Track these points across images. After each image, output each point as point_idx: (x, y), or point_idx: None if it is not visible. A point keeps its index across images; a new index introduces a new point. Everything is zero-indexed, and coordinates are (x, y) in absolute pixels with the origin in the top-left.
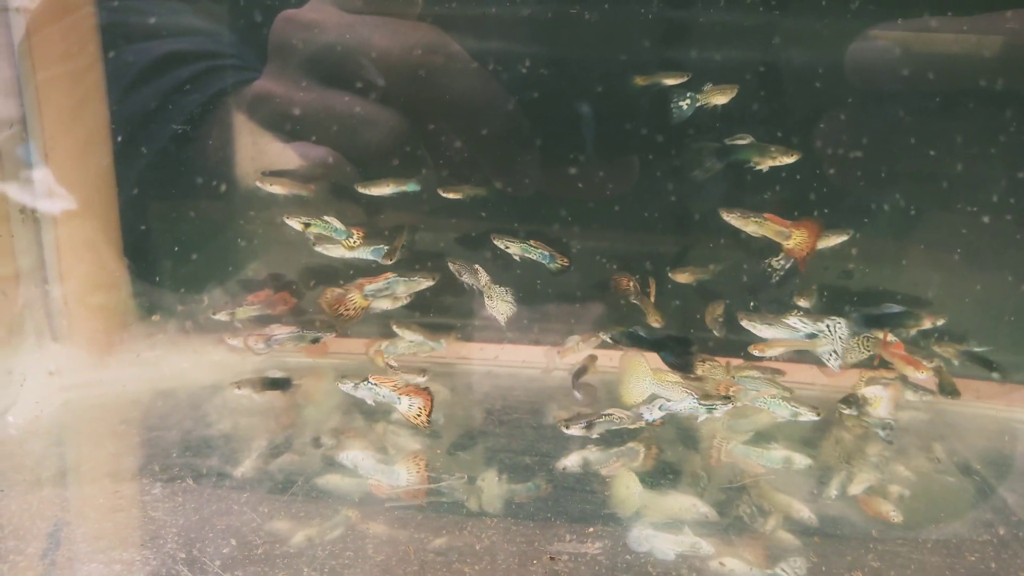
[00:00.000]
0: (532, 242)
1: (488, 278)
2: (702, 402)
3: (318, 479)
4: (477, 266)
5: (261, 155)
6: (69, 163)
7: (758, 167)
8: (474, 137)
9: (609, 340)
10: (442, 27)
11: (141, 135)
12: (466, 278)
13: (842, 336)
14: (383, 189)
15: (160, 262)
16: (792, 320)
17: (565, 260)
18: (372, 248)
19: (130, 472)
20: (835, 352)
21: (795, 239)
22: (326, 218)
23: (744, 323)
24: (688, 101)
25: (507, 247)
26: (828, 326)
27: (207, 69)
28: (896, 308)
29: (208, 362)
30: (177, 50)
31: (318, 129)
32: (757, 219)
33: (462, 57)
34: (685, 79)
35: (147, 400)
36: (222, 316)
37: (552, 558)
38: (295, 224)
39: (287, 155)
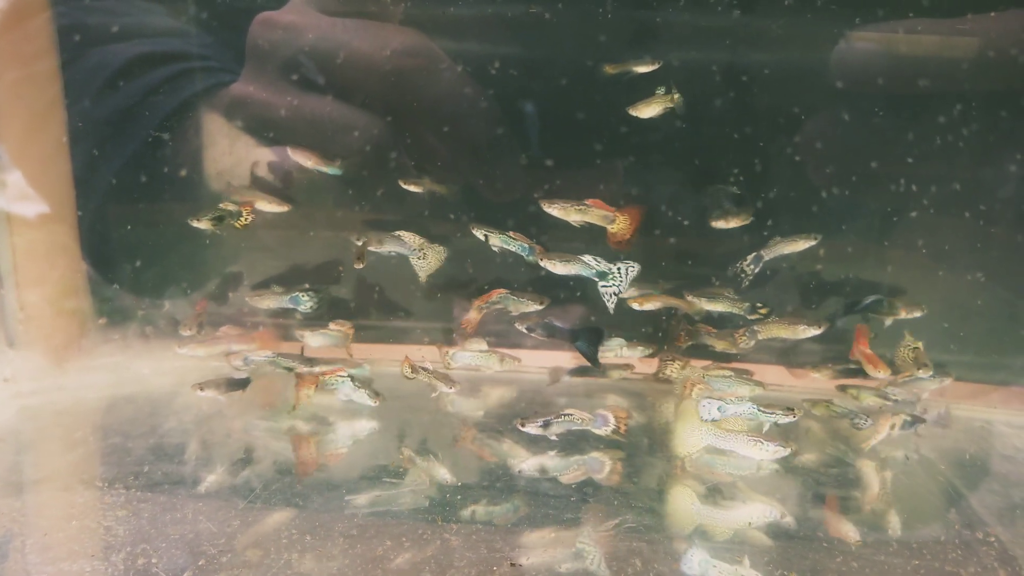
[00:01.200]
0: (511, 233)
1: (421, 239)
2: (763, 410)
3: (277, 486)
4: (400, 232)
5: (238, 160)
6: (31, 168)
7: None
8: (455, 141)
9: (525, 331)
10: (424, 30)
11: (111, 139)
12: (388, 247)
13: (629, 276)
14: (306, 160)
15: (121, 267)
16: (587, 257)
17: (543, 252)
18: (289, 296)
19: (85, 480)
20: (616, 293)
21: (619, 224)
22: (220, 205)
23: (543, 263)
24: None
25: (486, 237)
26: (619, 268)
27: (181, 72)
28: (873, 297)
29: (168, 367)
30: (150, 52)
31: (297, 133)
32: (580, 207)
33: (444, 60)
34: (655, 67)
35: (106, 406)
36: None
37: (513, 564)
38: (203, 225)
39: (265, 160)
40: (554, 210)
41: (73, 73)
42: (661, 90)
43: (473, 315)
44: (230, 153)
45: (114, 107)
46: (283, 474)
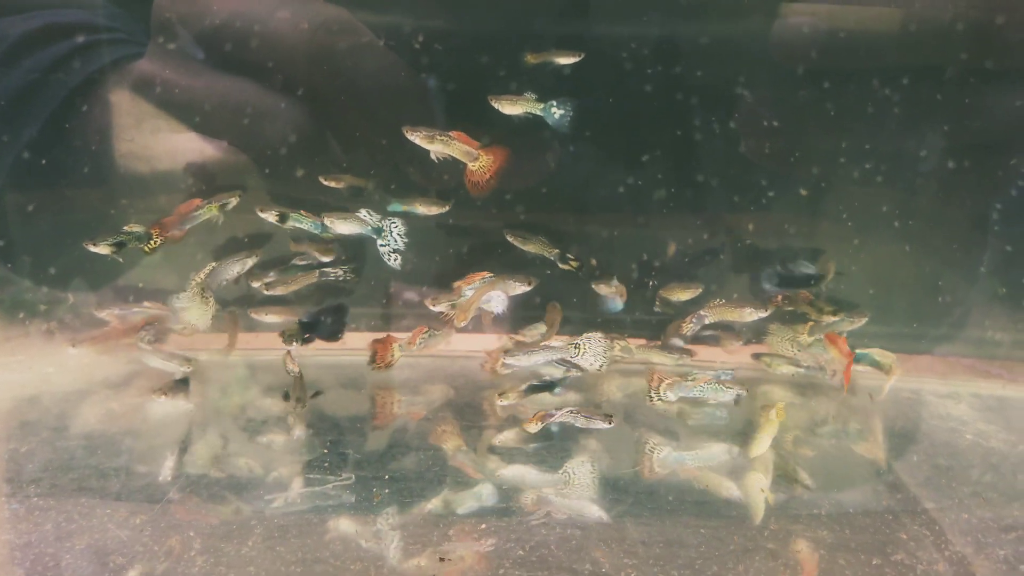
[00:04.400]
0: (303, 212)
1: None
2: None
3: (191, 487)
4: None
5: (146, 146)
6: None
7: None
8: (382, 124)
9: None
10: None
11: (8, 120)
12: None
13: (399, 235)
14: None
15: (22, 258)
16: (362, 212)
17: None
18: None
19: None
20: (395, 251)
21: (481, 162)
22: (125, 228)
23: (326, 221)
24: (561, 111)
25: (280, 217)
26: (387, 224)
27: (85, 45)
28: (808, 267)
29: (74, 365)
30: (50, 23)
31: (209, 117)
32: (443, 138)
33: (368, 37)
34: (578, 59)
35: (7, 408)
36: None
37: (442, 559)
38: (102, 250)
39: (175, 146)
40: (416, 138)
41: None
42: (532, 96)
43: (464, 301)
44: (139, 135)
45: (11, 84)
46: (199, 475)
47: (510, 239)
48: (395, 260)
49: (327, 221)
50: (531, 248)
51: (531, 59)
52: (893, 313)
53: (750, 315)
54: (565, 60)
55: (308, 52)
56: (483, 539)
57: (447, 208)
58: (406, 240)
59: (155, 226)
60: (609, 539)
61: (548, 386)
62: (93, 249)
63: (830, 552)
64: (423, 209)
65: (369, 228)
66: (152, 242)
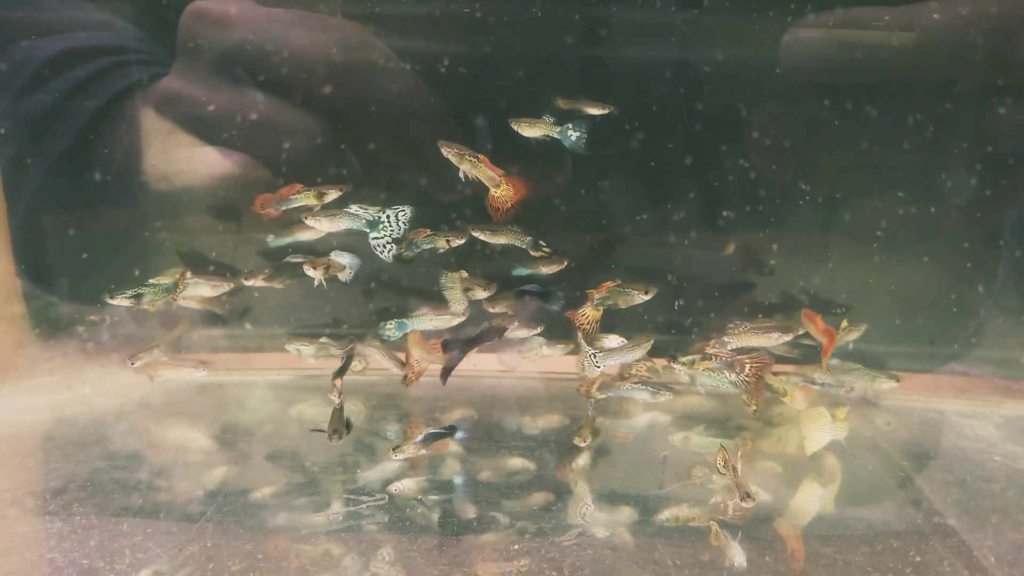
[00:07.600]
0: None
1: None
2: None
3: (230, 505)
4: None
5: (171, 160)
6: None
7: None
8: (401, 140)
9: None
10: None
11: (38, 139)
12: None
13: (403, 223)
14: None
15: (58, 278)
16: (353, 207)
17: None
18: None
19: (25, 509)
20: (390, 242)
21: (501, 190)
22: (152, 280)
23: (308, 221)
24: (577, 133)
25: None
26: (388, 215)
27: (112, 66)
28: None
29: (111, 386)
30: (78, 46)
31: (232, 132)
32: (472, 159)
33: (387, 56)
34: (607, 111)
35: (46, 429)
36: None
37: None
38: (125, 303)
39: (199, 161)
40: (451, 155)
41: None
42: (550, 119)
43: (591, 313)
44: (164, 153)
45: (40, 104)
46: (238, 494)
47: (477, 235)
48: (388, 251)
49: (311, 220)
50: (502, 240)
51: (562, 104)
52: (917, 334)
53: (776, 339)
54: (594, 111)
55: (327, 71)
56: (514, 560)
57: (565, 265)
58: (406, 227)
59: (180, 274)
60: (641, 560)
61: (450, 431)
62: (110, 302)
63: (859, 574)
64: (545, 269)
65: (363, 222)
66: (178, 290)
